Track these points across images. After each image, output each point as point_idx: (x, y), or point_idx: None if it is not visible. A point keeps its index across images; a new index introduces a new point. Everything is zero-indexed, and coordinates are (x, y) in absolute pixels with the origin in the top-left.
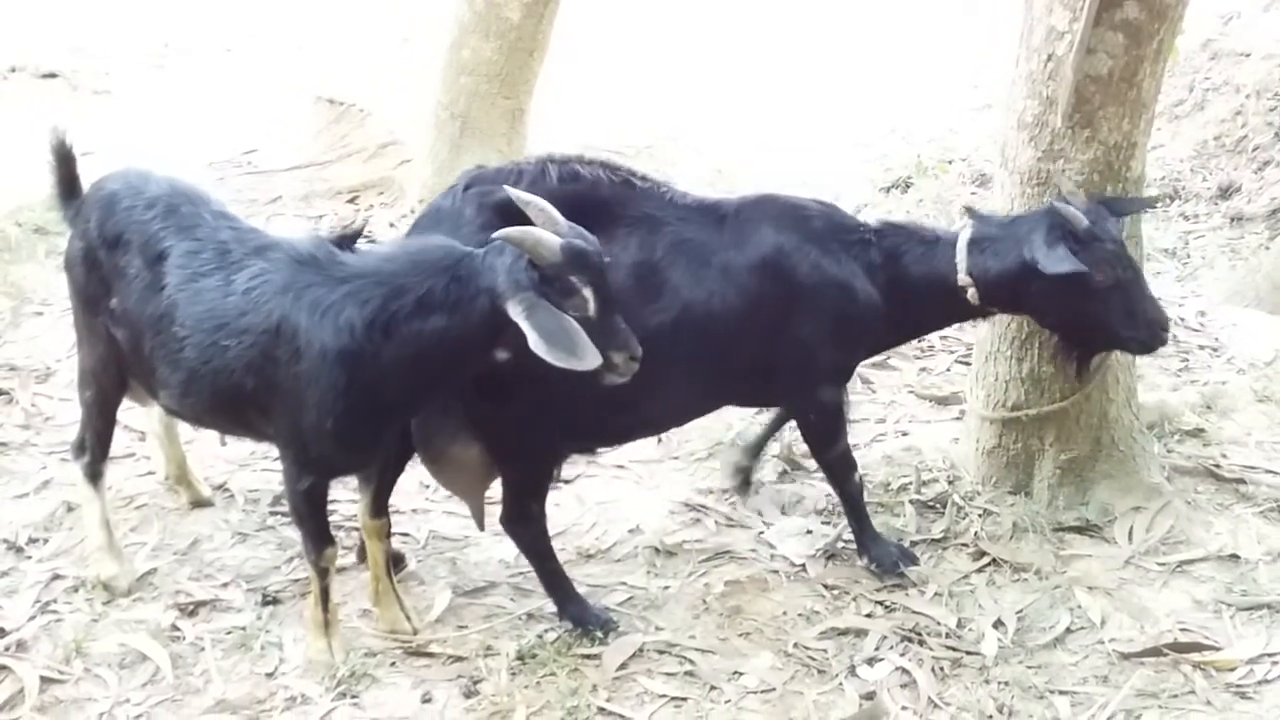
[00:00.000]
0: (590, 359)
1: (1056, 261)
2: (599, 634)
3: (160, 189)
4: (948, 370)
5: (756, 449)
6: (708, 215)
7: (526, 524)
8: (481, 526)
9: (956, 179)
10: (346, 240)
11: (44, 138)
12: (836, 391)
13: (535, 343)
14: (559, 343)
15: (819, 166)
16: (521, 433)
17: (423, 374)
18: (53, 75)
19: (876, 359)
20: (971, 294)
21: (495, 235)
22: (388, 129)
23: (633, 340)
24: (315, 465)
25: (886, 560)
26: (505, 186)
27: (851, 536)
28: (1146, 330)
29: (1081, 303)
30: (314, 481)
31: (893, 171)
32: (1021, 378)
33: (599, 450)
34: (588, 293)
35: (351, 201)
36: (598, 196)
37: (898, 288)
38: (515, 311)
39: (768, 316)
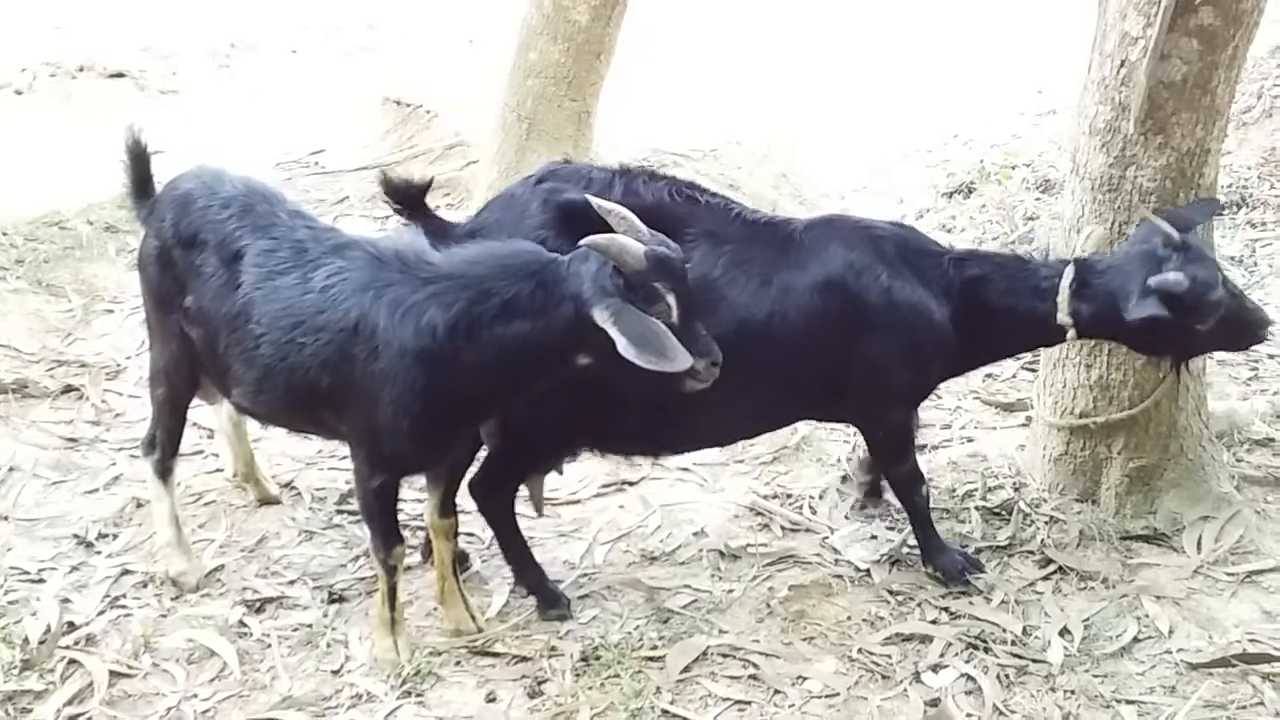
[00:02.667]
0: (681, 360)
1: (1141, 308)
2: (553, 611)
3: (235, 188)
4: (1013, 376)
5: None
6: (773, 234)
7: (500, 494)
8: (540, 512)
9: (1020, 184)
10: (416, 190)
11: (113, 137)
12: (906, 413)
13: (625, 347)
14: (648, 346)
15: (882, 171)
16: (545, 424)
17: (502, 378)
18: (120, 75)
19: None
20: (1070, 334)
21: (581, 243)
22: (454, 130)
23: (713, 346)
24: (388, 463)
25: (952, 568)
26: (588, 196)
27: (917, 542)
28: (1251, 339)
29: (1186, 339)
30: (385, 479)
31: (955, 177)
32: (1090, 385)
33: (641, 458)
34: (671, 299)
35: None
36: (661, 210)
37: (981, 316)
38: (602, 318)
39: (834, 337)
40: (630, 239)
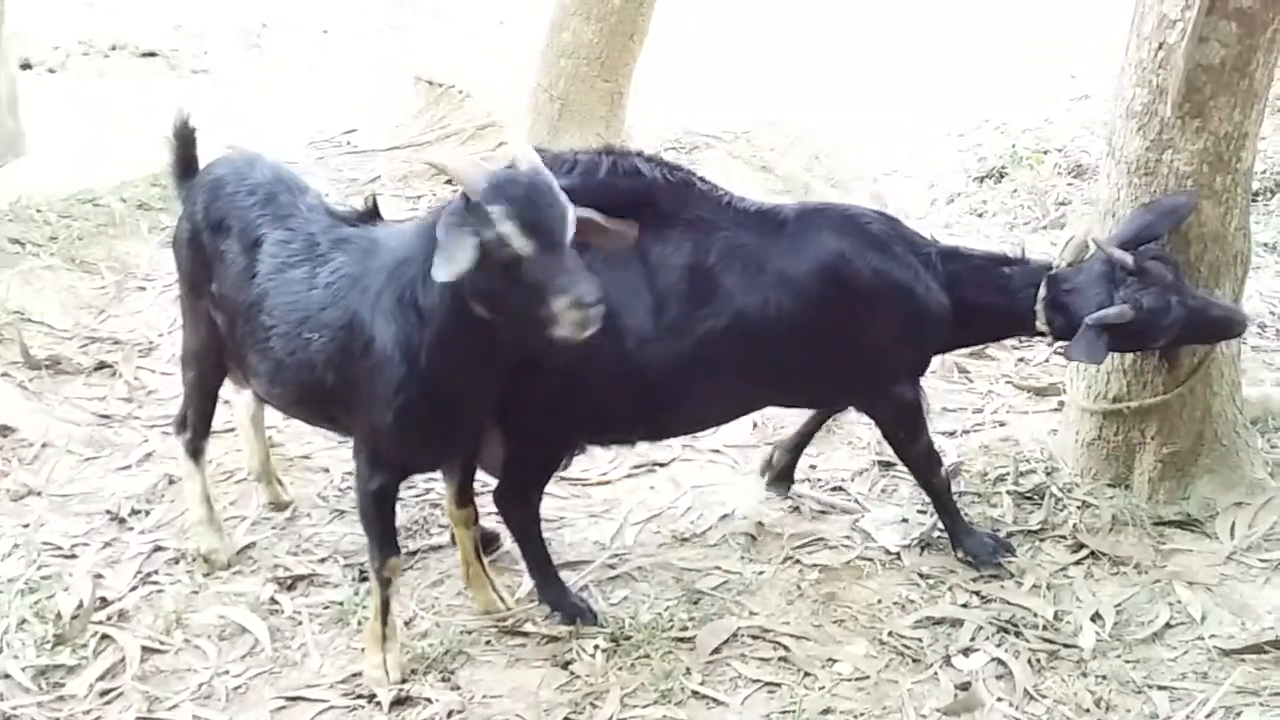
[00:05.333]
0: (442, 270)
1: (1080, 353)
2: (572, 623)
3: (263, 176)
4: (1046, 361)
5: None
6: (765, 222)
7: (523, 505)
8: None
9: (1052, 169)
10: (365, 219)
11: (145, 115)
12: (912, 389)
13: (435, 263)
14: (441, 253)
15: (913, 155)
16: (544, 417)
17: (461, 347)
18: (152, 54)
19: (975, 349)
20: (1047, 338)
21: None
22: (486, 110)
23: (582, 285)
24: (385, 463)
25: (982, 551)
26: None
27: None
28: (1226, 337)
29: (1155, 337)
30: (383, 481)
31: (987, 161)
32: (1123, 369)
33: (633, 443)
34: (509, 225)
35: (449, 183)
36: (651, 195)
37: (962, 309)
38: (439, 233)
39: (830, 323)
40: (478, 164)
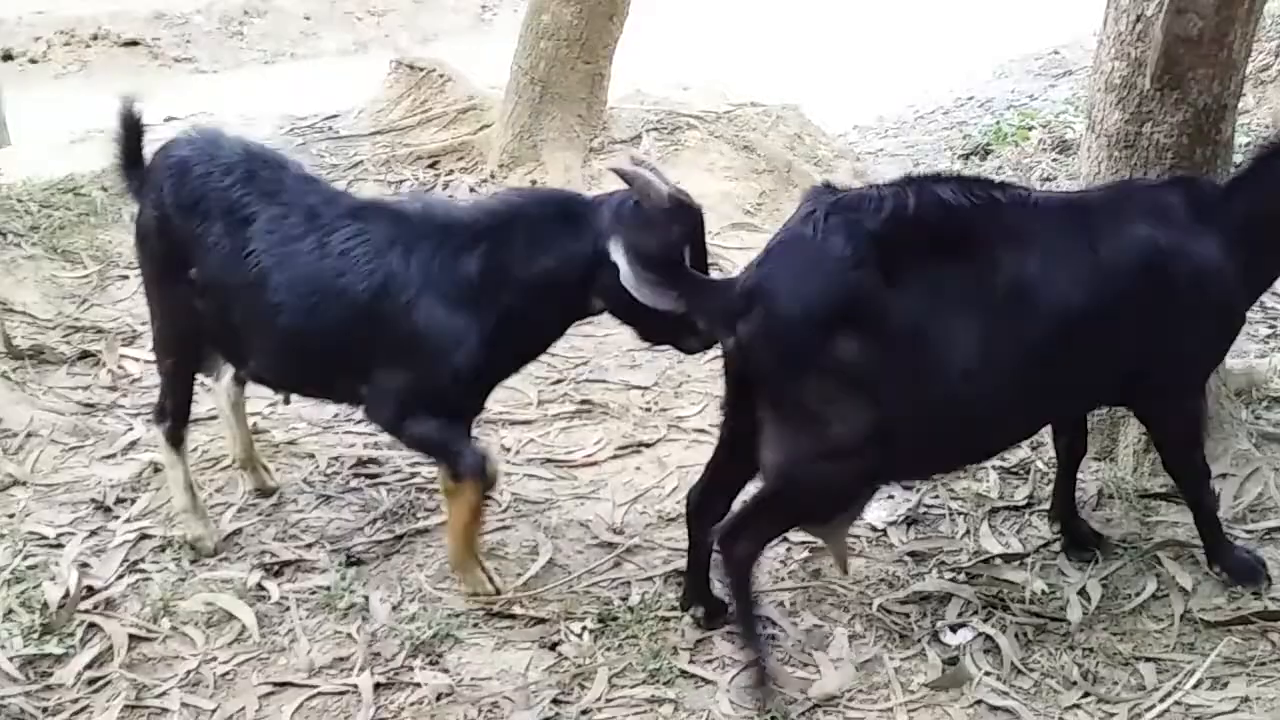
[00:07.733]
0: (669, 302)
1: None
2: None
3: (235, 154)
4: None
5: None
6: (1074, 214)
7: (756, 547)
8: (845, 570)
9: (1037, 146)
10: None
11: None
12: (1202, 396)
13: (626, 277)
14: (646, 280)
15: (897, 133)
16: (834, 470)
17: (536, 323)
18: (134, 43)
19: None
20: None
21: (608, 166)
22: (467, 94)
23: None
24: (430, 412)
25: (1242, 569)
26: (611, 166)
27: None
28: None
29: None
30: (433, 424)
31: (972, 139)
32: None
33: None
34: (686, 250)
35: (432, 166)
36: (964, 217)
37: (1259, 241)
38: (615, 246)
39: (1144, 319)
40: (657, 179)
